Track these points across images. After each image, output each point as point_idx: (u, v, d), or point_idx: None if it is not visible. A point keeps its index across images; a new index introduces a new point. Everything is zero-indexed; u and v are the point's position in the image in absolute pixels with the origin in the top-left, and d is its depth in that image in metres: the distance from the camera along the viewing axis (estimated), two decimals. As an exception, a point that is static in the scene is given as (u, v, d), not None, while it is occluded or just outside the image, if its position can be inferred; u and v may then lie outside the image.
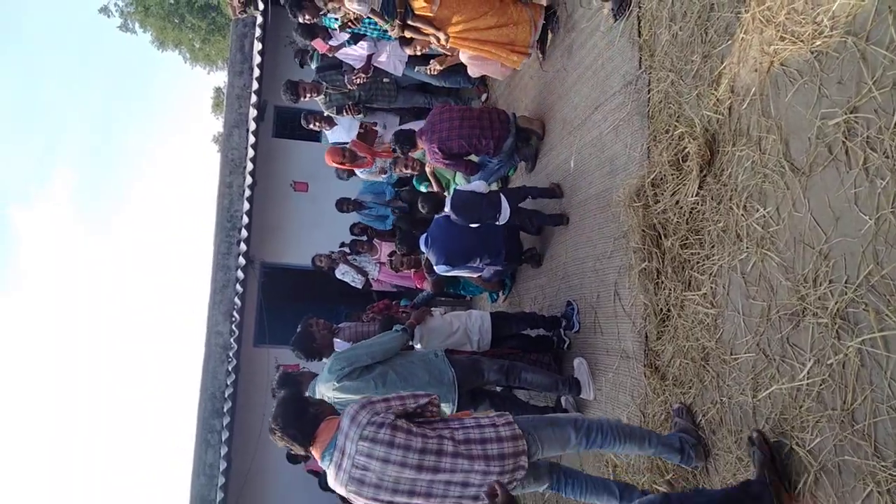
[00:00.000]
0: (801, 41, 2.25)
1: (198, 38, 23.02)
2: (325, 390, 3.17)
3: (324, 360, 4.12)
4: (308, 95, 5.70)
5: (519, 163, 5.02)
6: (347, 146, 6.02)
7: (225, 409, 7.07)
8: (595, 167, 3.85)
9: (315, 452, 2.35)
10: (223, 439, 6.97)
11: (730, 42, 2.65)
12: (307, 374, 3.54)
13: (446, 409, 3.32)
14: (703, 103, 2.82)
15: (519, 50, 4.52)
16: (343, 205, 7.22)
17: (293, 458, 6.36)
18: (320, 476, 6.26)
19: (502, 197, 4.31)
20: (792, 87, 2.29)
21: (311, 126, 6.16)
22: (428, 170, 5.73)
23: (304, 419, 2.35)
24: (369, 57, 5.54)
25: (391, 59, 5.65)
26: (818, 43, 2.17)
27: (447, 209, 4.39)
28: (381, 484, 2.21)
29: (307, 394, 3.40)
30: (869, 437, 1.90)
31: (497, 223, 4.34)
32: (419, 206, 5.08)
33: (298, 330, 3.95)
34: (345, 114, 5.91)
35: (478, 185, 4.48)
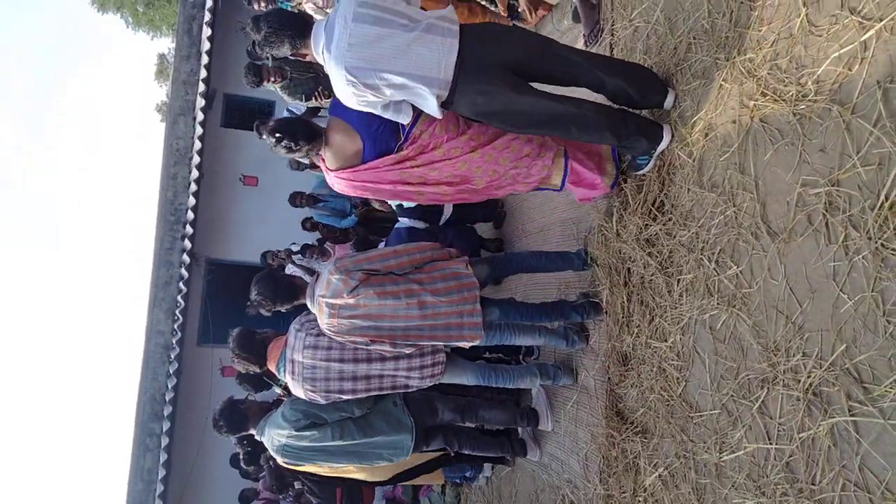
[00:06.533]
0: (784, 100, 2.17)
1: (141, 2, 21.83)
2: (276, 436, 3.00)
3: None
4: (272, 79, 5.34)
5: None
6: None
7: (165, 413, 6.77)
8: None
9: (271, 366, 3.00)
10: (163, 445, 6.69)
11: (707, 87, 2.57)
12: (254, 407, 3.32)
13: (402, 456, 3.21)
14: (673, 142, 2.74)
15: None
16: (297, 199, 6.87)
17: (237, 464, 6.12)
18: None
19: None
20: (771, 147, 2.22)
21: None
22: None
23: (253, 344, 3.01)
24: None
25: None
26: (802, 106, 2.10)
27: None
28: (328, 376, 2.89)
29: (254, 433, 3.20)
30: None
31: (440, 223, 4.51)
32: None
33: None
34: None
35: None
